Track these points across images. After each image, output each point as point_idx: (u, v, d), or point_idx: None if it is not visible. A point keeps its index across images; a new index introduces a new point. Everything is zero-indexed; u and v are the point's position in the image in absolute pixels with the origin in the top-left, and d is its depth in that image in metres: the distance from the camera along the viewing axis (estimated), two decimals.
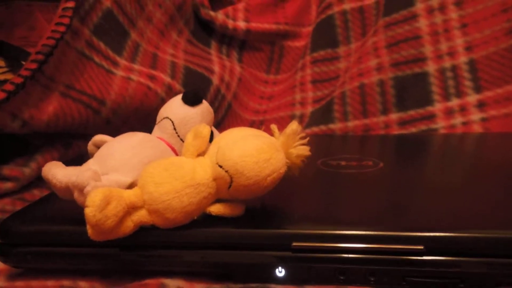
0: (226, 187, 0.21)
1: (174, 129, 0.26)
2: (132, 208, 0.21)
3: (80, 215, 0.21)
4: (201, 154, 0.22)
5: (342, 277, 0.20)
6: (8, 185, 0.32)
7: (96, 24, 0.40)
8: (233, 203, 0.22)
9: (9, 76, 0.55)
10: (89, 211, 0.19)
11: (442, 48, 0.45)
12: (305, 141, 0.23)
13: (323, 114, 0.49)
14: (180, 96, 0.26)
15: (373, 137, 0.44)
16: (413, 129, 0.44)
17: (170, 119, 0.26)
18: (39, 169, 0.34)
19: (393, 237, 0.19)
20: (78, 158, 0.38)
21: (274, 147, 0.21)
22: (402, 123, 0.45)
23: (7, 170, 0.32)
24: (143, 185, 0.21)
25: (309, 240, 0.20)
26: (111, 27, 0.42)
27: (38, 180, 0.34)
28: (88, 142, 0.39)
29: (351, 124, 0.47)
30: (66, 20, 0.35)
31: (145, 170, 0.21)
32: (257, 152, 0.20)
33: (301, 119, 0.51)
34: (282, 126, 0.51)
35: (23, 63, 0.55)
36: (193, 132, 0.22)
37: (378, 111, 0.46)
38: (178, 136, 0.26)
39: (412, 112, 0.45)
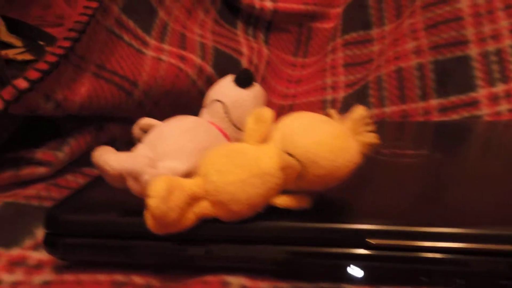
0: (295, 177, 0.19)
1: (226, 112, 0.24)
2: (193, 199, 0.19)
3: (134, 204, 0.20)
4: (263, 140, 0.20)
5: (424, 279, 0.18)
6: (42, 170, 0.30)
7: (125, 1, 0.38)
8: (300, 194, 0.20)
9: (27, 56, 0.53)
10: (152, 202, 0.17)
11: (485, 31, 0.43)
12: (372, 127, 0.21)
13: (358, 99, 0.47)
14: (230, 78, 0.25)
15: (410, 123, 0.42)
16: (455, 116, 0.42)
17: (222, 102, 0.24)
18: (72, 153, 0.32)
19: (487, 236, 0.17)
20: (110, 141, 0.36)
21: (349, 135, 0.19)
22: (443, 109, 0.43)
23: (40, 154, 0.30)
24: (205, 174, 0.19)
25: (386, 237, 0.18)
26: (139, 5, 0.40)
27: (71, 165, 0.33)
28: (119, 125, 0.38)
29: (388, 109, 0.45)
30: None
31: (207, 157, 0.19)
32: (332, 139, 0.18)
33: (332, 104, 0.49)
34: (313, 111, 0.49)
35: (40, 43, 0.54)
36: (254, 116, 0.20)
37: (417, 96, 0.44)
38: (230, 120, 0.24)
39: (453, 98, 0.43)
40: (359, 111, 0.20)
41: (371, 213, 0.20)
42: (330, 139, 0.18)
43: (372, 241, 0.19)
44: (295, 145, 0.19)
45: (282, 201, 0.20)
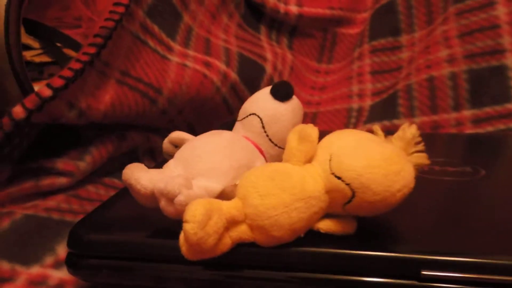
0: (343, 201, 0.17)
1: (263, 127, 0.22)
2: (230, 223, 0.17)
3: (162, 223, 0.18)
4: (307, 161, 0.19)
5: None
6: (62, 180, 0.29)
7: (150, 5, 0.37)
8: (344, 218, 0.18)
9: (44, 58, 0.52)
10: (189, 228, 0.16)
11: None
12: (421, 146, 0.19)
13: (386, 108, 0.45)
14: (267, 90, 0.23)
15: (443, 135, 0.40)
16: (489, 128, 0.40)
17: (258, 116, 0.22)
18: (94, 163, 0.31)
19: None
20: (132, 150, 0.35)
21: (403, 157, 0.17)
22: (477, 120, 0.41)
23: (61, 163, 0.29)
24: (245, 196, 0.18)
25: (443, 269, 0.17)
26: (164, 9, 0.39)
27: (91, 174, 0.31)
28: (141, 133, 0.36)
29: (418, 120, 0.43)
30: (125, 0, 0.32)
31: (247, 178, 0.18)
32: (386, 162, 0.17)
33: (359, 113, 0.47)
34: (338, 119, 0.47)
35: (58, 44, 0.53)
36: (297, 134, 0.19)
37: (449, 106, 0.42)
38: (267, 135, 0.22)
39: (488, 109, 0.41)
40: (411, 130, 0.19)
41: (423, 241, 0.18)
42: (383, 162, 0.17)
43: (427, 273, 0.17)
44: (344, 168, 0.17)
45: (325, 225, 0.18)
